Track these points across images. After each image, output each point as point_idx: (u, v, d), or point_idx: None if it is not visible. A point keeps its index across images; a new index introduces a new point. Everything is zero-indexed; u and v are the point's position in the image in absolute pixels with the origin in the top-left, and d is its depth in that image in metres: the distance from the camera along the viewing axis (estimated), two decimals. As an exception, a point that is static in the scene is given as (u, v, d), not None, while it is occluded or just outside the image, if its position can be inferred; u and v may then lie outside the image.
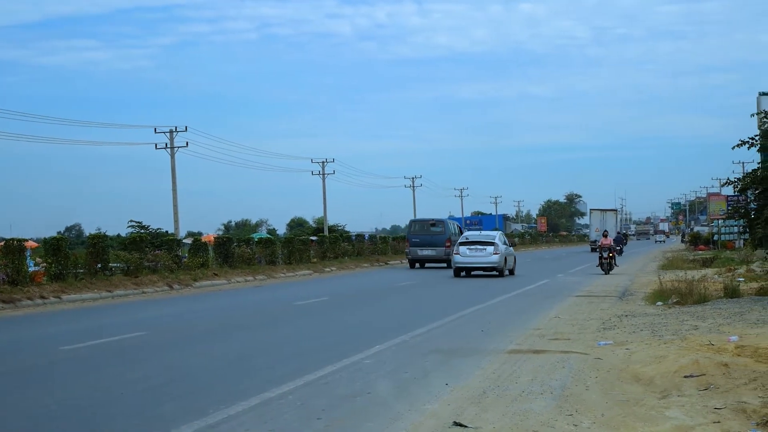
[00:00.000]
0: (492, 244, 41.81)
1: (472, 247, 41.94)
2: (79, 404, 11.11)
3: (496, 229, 67.39)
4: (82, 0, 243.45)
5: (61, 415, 10.53)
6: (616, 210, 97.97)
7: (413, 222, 57.91)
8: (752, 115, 26.21)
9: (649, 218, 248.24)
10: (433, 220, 56.45)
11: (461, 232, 51.39)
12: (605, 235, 45.05)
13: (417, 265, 54.39)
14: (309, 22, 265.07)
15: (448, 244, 51.43)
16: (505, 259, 42.22)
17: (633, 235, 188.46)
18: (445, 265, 52.13)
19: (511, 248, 46.82)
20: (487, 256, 41.40)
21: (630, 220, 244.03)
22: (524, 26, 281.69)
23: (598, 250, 44.51)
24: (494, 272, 41.65)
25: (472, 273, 42.80)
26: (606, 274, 41.13)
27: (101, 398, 11.49)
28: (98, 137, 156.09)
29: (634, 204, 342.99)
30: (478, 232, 47.31)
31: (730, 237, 66.66)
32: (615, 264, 43.59)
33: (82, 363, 14.97)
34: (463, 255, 41.83)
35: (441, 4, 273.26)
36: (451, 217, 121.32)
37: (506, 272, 42.42)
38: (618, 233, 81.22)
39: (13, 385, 12.83)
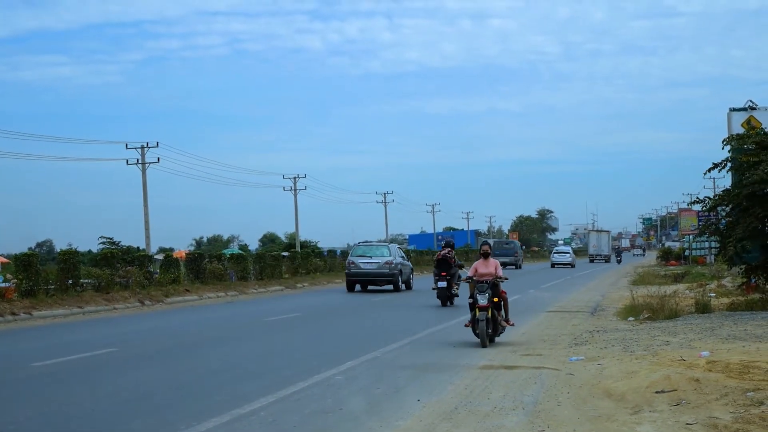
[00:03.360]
0: (569, 253, 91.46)
1: (559, 253, 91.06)
2: (49, 420, 11.03)
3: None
4: (51, 15, 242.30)
5: (31, 431, 10.46)
6: (608, 231, 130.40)
7: (496, 242, 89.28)
8: (723, 140, 26.21)
9: (620, 233, 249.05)
10: (506, 240, 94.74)
11: (522, 247, 72.95)
12: (485, 255, 19.82)
13: None
14: (280, 37, 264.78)
15: (516, 254, 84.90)
16: (574, 259, 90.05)
17: None
18: (514, 267, 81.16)
19: (574, 254, 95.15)
20: (567, 258, 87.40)
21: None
22: (494, 41, 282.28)
23: (470, 282, 19.52)
24: (570, 266, 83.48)
25: (555, 266, 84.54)
26: (484, 346, 18.31)
27: (72, 414, 11.40)
28: (69, 153, 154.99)
29: (605, 219, 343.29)
30: (563, 246, 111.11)
31: (701, 252, 66.95)
32: (505, 321, 19.29)
33: (53, 379, 14.86)
34: (555, 258, 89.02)
35: (411, 19, 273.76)
36: (423, 233, 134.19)
37: (575, 266, 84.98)
38: (616, 248, 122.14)
39: (-18, 402, 12.73)
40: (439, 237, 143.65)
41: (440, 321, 24.96)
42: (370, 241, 48.61)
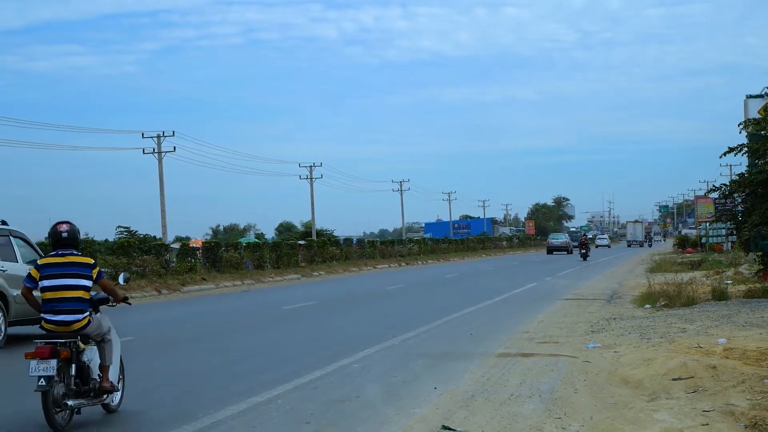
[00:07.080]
0: (607, 238, 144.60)
1: (600, 239, 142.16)
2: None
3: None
4: (67, 6, 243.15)
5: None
6: (642, 222, 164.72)
7: (571, 232, 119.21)
8: (739, 124, 26.05)
9: (637, 221, 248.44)
10: (577, 231, 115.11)
11: (585, 234, 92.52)
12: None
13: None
14: (295, 26, 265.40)
15: (583, 239, 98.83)
16: (610, 242, 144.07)
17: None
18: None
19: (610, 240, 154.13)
20: (606, 242, 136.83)
21: (617, 223, 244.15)
22: (509, 30, 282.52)
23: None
24: (607, 246, 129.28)
25: (599, 247, 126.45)
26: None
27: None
28: (85, 142, 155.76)
29: (621, 207, 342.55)
30: (603, 234, 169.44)
31: (718, 239, 66.71)
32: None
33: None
34: (598, 242, 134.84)
35: (426, 7, 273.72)
36: (439, 221, 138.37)
37: (610, 246, 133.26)
38: (647, 234, 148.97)
39: None
40: (455, 225, 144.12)
41: (573, 266, 56.03)
42: (557, 233, 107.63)
